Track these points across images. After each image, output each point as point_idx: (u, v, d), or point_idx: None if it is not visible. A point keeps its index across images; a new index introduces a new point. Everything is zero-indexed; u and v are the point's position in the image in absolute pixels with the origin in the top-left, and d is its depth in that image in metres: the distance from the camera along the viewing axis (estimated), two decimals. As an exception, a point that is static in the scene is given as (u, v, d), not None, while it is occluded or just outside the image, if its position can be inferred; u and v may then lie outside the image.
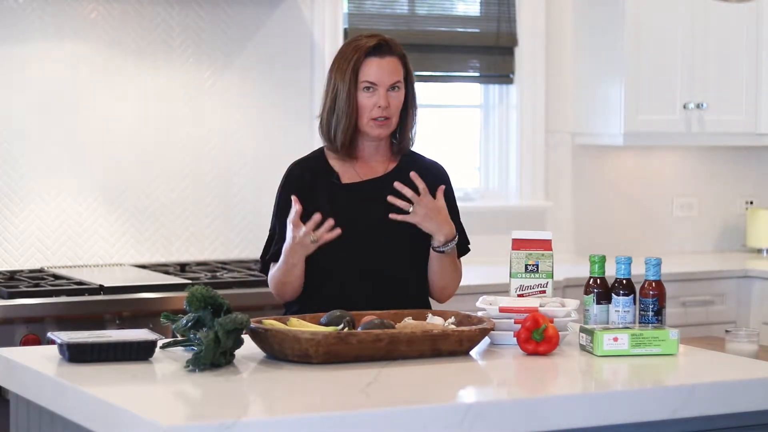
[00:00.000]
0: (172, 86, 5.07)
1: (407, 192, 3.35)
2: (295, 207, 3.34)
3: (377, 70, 3.47)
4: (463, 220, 3.67)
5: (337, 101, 3.49)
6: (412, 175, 3.38)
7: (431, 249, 3.48)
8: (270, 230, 3.58)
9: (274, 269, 3.51)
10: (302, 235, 3.33)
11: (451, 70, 5.69)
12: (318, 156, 3.59)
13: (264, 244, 3.59)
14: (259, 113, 5.22)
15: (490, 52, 5.73)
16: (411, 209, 3.38)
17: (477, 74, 5.76)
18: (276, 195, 3.58)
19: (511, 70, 5.76)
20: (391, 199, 3.38)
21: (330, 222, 3.33)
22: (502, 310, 3.27)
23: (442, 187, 3.43)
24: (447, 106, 5.88)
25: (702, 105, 5.72)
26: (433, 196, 3.40)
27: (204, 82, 5.12)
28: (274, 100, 5.25)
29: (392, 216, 3.37)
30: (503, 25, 5.73)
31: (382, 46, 3.49)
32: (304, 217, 3.44)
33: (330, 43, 5.27)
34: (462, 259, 3.65)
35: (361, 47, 3.50)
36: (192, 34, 5.09)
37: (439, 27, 5.65)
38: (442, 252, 3.47)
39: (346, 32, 5.35)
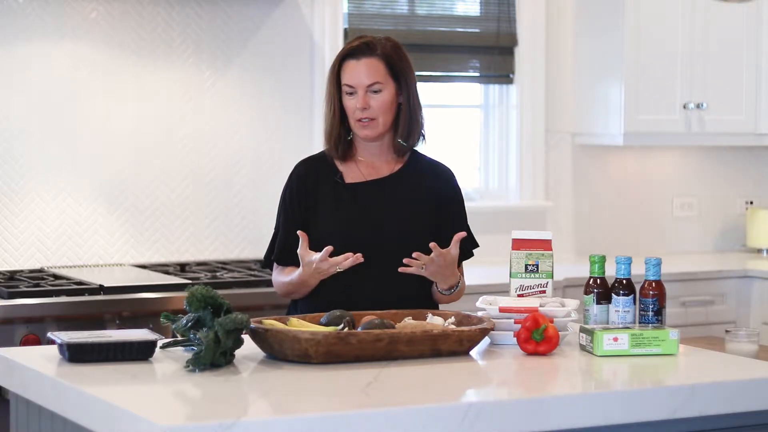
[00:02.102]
0: (172, 86, 5.07)
1: (423, 258, 3.33)
2: (302, 240, 3.37)
3: (353, 72, 3.49)
4: (462, 220, 3.68)
5: (325, 104, 3.56)
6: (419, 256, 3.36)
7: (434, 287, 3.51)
8: (275, 228, 3.59)
9: (283, 277, 3.52)
10: (328, 267, 3.35)
11: (451, 70, 5.69)
12: (324, 156, 3.61)
13: (269, 242, 3.60)
14: (259, 113, 5.22)
15: (490, 52, 5.73)
16: (423, 268, 3.36)
17: (477, 74, 5.76)
18: (281, 193, 3.59)
19: (511, 70, 5.76)
20: (402, 270, 3.36)
21: (357, 257, 3.34)
22: (502, 310, 3.27)
23: (461, 235, 3.40)
24: (447, 106, 5.87)
25: (702, 105, 5.72)
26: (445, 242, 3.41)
27: (204, 82, 5.12)
28: (274, 100, 5.25)
29: (402, 270, 3.35)
30: (503, 25, 5.73)
31: (360, 48, 3.49)
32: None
33: (330, 43, 5.27)
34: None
35: (342, 50, 3.54)
36: (192, 34, 5.09)
37: (439, 27, 5.64)
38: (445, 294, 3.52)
39: (346, 32, 5.35)
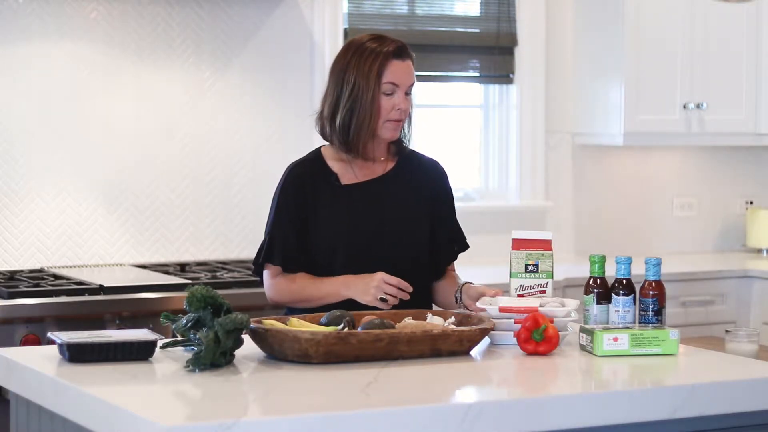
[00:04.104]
0: (172, 86, 5.07)
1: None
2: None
3: (400, 72, 3.47)
4: (463, 220, 3.68)
5: (360, 103, 3.44)
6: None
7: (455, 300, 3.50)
8: (268, 234, 3.51)
9: (290, 284, 3.49)
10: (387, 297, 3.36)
11: (451, 70, 5.69)
12: (315, 157, 3.58)
13: (261, 247, 3.53)
14: (259, 113, 5.22)
15: (490, 52, 5.73)
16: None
17: (477, 74, 5.76)
18: (274, 198, 3.55)
19: (511, 70, 5.76)
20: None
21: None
22: (502, 310, 3.27)
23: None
24: (447, 106, 5.88)
25: (702, 105, 5.72)
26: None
27: (204, 82, 5.12)
28: (274, 100, 5.25)
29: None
30: (503, 25, 5.73)
31: (402, 49, 3.49)
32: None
33: (330, 43, 5.27)
34: (463, 259, 3.66)
35: (383, 49, 3.46)
36: (192, 34, 5.09)
37: (439, 27, 5.65)
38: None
39: (346, 32, 5.35)
